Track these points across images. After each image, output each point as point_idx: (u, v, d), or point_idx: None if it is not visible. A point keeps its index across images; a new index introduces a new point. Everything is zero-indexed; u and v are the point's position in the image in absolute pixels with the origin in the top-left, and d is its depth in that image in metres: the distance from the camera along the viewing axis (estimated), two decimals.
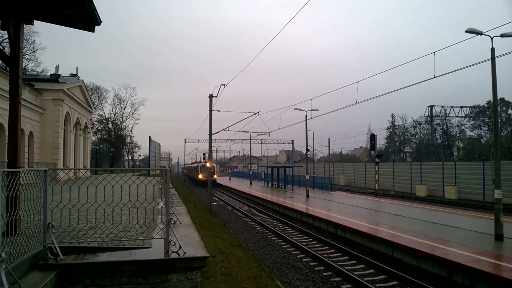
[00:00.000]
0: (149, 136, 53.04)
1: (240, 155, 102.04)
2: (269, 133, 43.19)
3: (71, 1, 6.66)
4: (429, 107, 54.27)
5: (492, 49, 11.31)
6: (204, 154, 67.96)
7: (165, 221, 6.44)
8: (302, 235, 15.57)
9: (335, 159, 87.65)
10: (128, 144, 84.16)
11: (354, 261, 11.20)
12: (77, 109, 39.42)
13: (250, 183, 46.71)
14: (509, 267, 8.27)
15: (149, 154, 55.67)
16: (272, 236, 15.58)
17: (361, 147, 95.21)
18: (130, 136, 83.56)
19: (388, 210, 18.60)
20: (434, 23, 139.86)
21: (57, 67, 34.89)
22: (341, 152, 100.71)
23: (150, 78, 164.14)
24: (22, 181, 5.49)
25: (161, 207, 8.66)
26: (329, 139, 58.27)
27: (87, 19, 7.18)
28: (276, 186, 38.20)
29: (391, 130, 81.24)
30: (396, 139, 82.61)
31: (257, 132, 46.00)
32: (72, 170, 9.10)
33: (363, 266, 10.71)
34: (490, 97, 17.66)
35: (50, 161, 30.53)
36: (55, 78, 33.26)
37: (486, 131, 61.62)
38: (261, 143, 73.09)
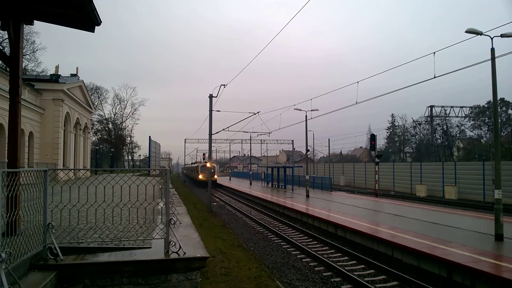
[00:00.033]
0: (149, 136, 53.13)
1: (240, 155, 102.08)
2: (269, 133, 43.23)
3: (71, 1, 6.66)
4: (429, 107, 54.26)
5: (492, 49, 11.31)
6: (204, 154, 67.97)
7: (165, 221, 6.44)
8: (302, 235, 15.56)
9: (335, 159, 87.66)
10: (128, 144, 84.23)
11: (354, 261, 11.20)
12: (77, 109, 39.43)
13: (250, 183, 46.70)
14: (509, 267, 8.27)
15: (149, 154, 55.72)
16: (272, 236, 15.58)
17: (361, 147, 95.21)
18: (130, 136, 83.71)
19: (388, 210, 18.60)
20: (434, 23, 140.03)
21: (57, 67, 34.90)
22: (341, 152, 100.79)
23: (150, 78, 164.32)
24: (22, 181, 5.48)
25: (161, 207, 8.66)
26: (329, 139, 58.31)
27: (87, 19, 7.18)
28: (276, 186, 38.20)
29: (391, 130, 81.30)
30: (396, 139, 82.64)
31: (257, 132, 46.03)
32: (72, 170, 9.10)
33: (363, 266, 10.71)
34: (490, 97, 17.66)
35: (50, 161, 30.54)
36: (55, 78, 33.27)
37: (486, 131, 61.67)
38: (261, 143, 73.15)
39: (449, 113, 54.32)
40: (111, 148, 77.77)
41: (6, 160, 7.28)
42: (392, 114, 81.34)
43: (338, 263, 10.94)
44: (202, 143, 70.30)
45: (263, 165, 63.16)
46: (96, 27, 7.53)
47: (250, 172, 51.68)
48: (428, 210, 19.03)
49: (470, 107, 57.28)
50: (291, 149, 71.73)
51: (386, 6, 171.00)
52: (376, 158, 28.90)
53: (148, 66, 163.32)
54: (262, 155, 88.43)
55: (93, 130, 63.53)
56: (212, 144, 27.33)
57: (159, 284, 5.84)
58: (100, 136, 78.25)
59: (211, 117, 24.75)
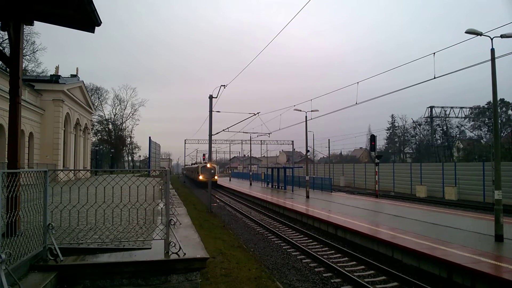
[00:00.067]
0: (149, 137, 53.04)
1: (240, 156, 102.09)
2: (269, 134, 43.27)
3: (71, 2, 6.66)
4: (429, 108, 54.36)
5: (492, 50, 11.32)
6: (204, 155, 68.05)
7: (165, 222, 6.43)
8: (302, 236, 15.56)
9: (335, 160, 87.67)
10: (128, 145, 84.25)
11: (354, 262, 11.19)
12: (77, 110, 39.44)
13: (250, 184, 46.70)
14: (509, 268, 8.26)
15: (149, 155, 55.65)
16: (272, 237, 15.58)
17: (361, 148, 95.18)
18: (130, 137, 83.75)
19: (388, 211, 18.59)
20: (434, 23, 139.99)
21: (57, 68, 34.94)
22: (341, 153, 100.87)
23: (150, 79, 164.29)
24: (22, 182, 5.48)
25: (161, 208, 8.66)
26: (329, 140, 58.34)
27: (87, 20, 7.18)
28: (276, 187, 38.19)
29: (391, 131, 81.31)
30: (396, 140, 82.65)
31: (257, 133, 46.01)
32: (72, 171, 9.09)
33: (363, 267, 10.70)
34: (490, 98, 17.66)
35: (50, 162, 30.54)
36: (55, 79, 33.30)
37: (486, 132, 61.65)
38: (261, 144, 73.13)
39: (449, 114, 54.43)
40: (111, 149, 77.76)
41: (6, 161, 7.28)
42: (392, 115, 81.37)
43: (338, 264, 10.93)
44: (202, 144, 70.33)
45: (263, 166, 63.14)
46: (96, 27, 7.53)
47: (250, 173, 51.66)
48: (428, 211, 19.03)
49: (470, 107, 57.42)
50: (291, 150, 71.70)
51: (386, 6, 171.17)
52: (376, 159, 28.89)
53: (148, 66, 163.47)
54: (262, 155, 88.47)
55: (93, 131, 63.54)
56: (212, 145, 27.34)
57: (159, 285, 5.83)
58: (100, 136, 78.28)
59: (211, 118, 24.76)
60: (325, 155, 73.35)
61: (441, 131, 65.27)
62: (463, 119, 57.37)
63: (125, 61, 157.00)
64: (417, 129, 69.85)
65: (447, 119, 58.90)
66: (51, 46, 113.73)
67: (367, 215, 17.21)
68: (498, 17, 63.54)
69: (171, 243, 6.17)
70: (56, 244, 5.78)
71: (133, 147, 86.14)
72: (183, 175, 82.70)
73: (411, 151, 79.48)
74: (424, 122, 63.40)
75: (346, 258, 11.68)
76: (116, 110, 79.86)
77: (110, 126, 79.33)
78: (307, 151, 30.03)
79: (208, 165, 26.75)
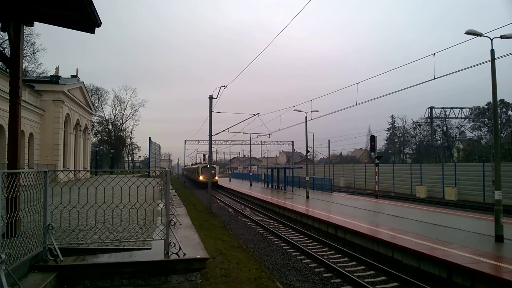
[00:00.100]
0: (149, 138, 52.87)
1: (240, 156, 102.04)
2: (269, 134, 43.18)
3: (71, 3, 6.66)
4: (429, 109, 54.30)
5: (492, 51, 11.33)
6: (204, 155, 68.00)
7: (165, 222, 6.43)
8: (302, 236, 15.56)
9: (335, 160, 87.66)
10: (128, 146, 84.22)
11: (354, 263, 11.19)
12: (77, 111, 39.47)
13: (250, 185, 46.70)
14: (509, 268, 8.26)
15: (149, 155, 55.57)
16: (272, 237, 15.57)
17: (361, 148, 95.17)
18: (130, 138, 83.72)
19: (388, 212, 18.59)
20: (434, 23, 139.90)
21: (57, 69, 34.98)
22: (341, 153, 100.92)
23: (150, 79, 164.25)
24: (22, 183, 5.48)
25: (161, 209, 8.65)
26: (329, 140, 58.33)
27: (88, 21, 7.19)
28: (276, 187, 38.19)
29: (391, 132, 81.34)
30: (396, 140, 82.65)
31: (257, 133, 45.96)
32: (72, 172, 9.10)
33: (363, 267, 10.70)
34: (490, 98, 17.67)
35: (50, 163, 30.57)
36: (55, 79, 33.34)
37: (486, 133, 61.64)
38: (261, 145, 73.06)
39: (449, 114, 54.37)
40: (111, 149, 77.70)
41: (6, 161, 7.28)
42: (392, 115, 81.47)
43: (338, 264, 10.93)
44: (202, 144, 70.30)
45: (263, 166, 63.23)
46: (96, 28, 7.54)
47: (250, 173, 51.66)
48: (428, 211, 19.03)
49: (470, 108, 57.42)
50: (291, 150, 71.63)
51: (386, 6, 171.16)
52: (376, 159, 28.89)
53: (148, 67, 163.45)
54: (262, 156, 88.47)
55: (93, 131, 63.56)
56: (212, 145, 27.33)
57: (159, 285, 5.83)
58: (100, 137, 78.26)
59: (211, 118, 24.76)
60: (325, 155, 73.40)
61: (441, 132, 65.28)
62: (463, 119, 57.35)
63: (125, 61, 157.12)
64: (417, 130, 69.91)
65: (447, 119, 58.90)
66: (51, 47, 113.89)
67: (367, 216, 17.21)
68: (498, 17, 63.58)
69: (171, 244, 6.17)
70: (56, 244, 5.78)
71: (133, 148, 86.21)
72: (183, 175, 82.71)
73: (411, 151, 79.49)
74: (424, 123, 63.43)
75: (346, 259, 11.68)
76: (116, 110, 79.95)
77: (110, 127, 79.33)
78: (307, 151, 30.03)
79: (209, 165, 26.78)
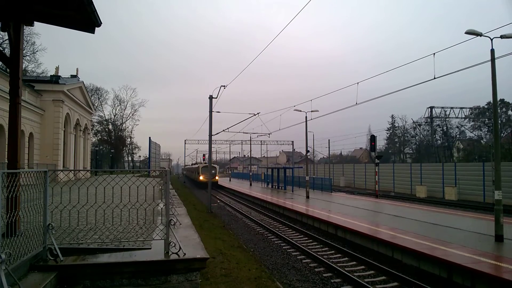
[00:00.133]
0: (149, 137, 52.95)
1: (240, 156, 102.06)
2: (269, 134, 43.19)
3: (71, 2, 6.66)
4: (429, 108, 54.33)
5: (492, 51, 11.33)
6: (204, 155, 68.03)
7: (165, 222, 6.44)
8: (302, 236, 15.56)
9: (335, 160, 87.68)
10: (128, 145, 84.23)
11: (354, 262, 11.20)
12: (77, 110, 39.47)
13: (250, 184, 46.70)
14: (509, 268, 8.26)
15: (149, 155, 55.61)
16: (272, 237, 15.58)
17: (361, 148, 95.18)
18: (130, 137, 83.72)
19: (388, 211, 18.59)
20: (434, 23, 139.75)
21: (57, 69, 34.97)
22: (341, 153, 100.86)
23: (150, 79, 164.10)
24: (22, 182, 5.49)
25: (161, 208, 8.66)
26: (329, 140, 58.36)
27: (88, 21, 7.18)
28: (276, 187, 38.19)
29: (391, 131, 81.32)
30: (396, 140, 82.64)
31: (257, 133, 45.96)
32: (72, 171, 9.12)
33: (363, 267, 10.70)
34: (490, 98, 17.64)
35: (50, 162, 30.57)
36: (55, 79, 33.33)
37: (486, 132, 61.63)
38: (261, 144, 73.04)
39: (449, 114, 54.41)
40: (111, 149, 77.74)
41: (6, 161, 7.28)
42: (392, 115, 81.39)
43: (338, 264, 10.93)
44: (202, 144, 70.25)
45: (263, 166, 63.14)
46: (96, 28, 7.54)
47: (250, 173, 51.65)
48: (428, 211, 19.03)
49: (470, 108, 57.38)
50: (291, 150, 71.63)
51: (386, 6, 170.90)
52: (376, 159, 28.90)
53: (148, 66, 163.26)
54: (262, 156, 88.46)
55: (93, 131, 63.56)
56: (212, 145, 27.34)
57: (159, 285, 5.84)
58: (100, 137, 78.27)
59: (211, 118, 24.77)
60: (325, 155, 73.42)
61: (441, 132, 65.28)
62: (463, 119, 57.38)
63: (125, 61, 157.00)
64: (417, 130, 69.87)
65: (447, 119, 58.92)
66: (51, 47, 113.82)
67: (367, 215, 17.22)
68: (498, 17, 63.61)
69: (171, 243, 6.17)
70: (56, 244, 5.78)
71: (133, 148, 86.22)
72: (183, 175, 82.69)
73: (411, 151, 79.50)
74: (424, 123, 63.39)
75: (346, 258, 11.68)
76: (116, 110, 79.96)
77: (110, 127, 79.34)
78: (307, 151, 30.04)
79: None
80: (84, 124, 42.74)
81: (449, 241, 10.92)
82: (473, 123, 62.86)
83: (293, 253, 12.58)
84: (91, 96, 60.82)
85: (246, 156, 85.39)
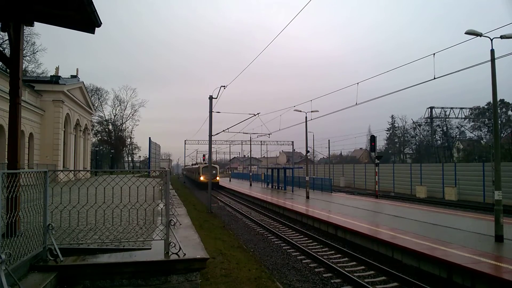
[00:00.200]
0: (149, 138, 52.87)
1: (240, 156, 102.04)
2: (269, 134, 43.16)
3: (71, 3, 6.67)
4: (429, 109, 54.30)
5: (492, 51, 11.34)
6: (204, 155, 68.01)
7: (165, 222, 6.43)
8: (302, 236, 15.55)
9: (335, 160, 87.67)
10: (128, 146, 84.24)
11: (354, 263, 11.19)
12: (77, 111, 39.47)
13: (250, 185, 46.68)
14: (509, 268, 8.26)
15: (149, 155, 55.58)
16: (272, 237, 15.57)
17: (361, 148, 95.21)
18: (130, 138, 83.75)
19: (388, 212, 18.59)
20: (434, 23, 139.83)
21: (57, 69, 34.98)
22: (341, 153, 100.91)
23: (150, 79, 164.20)
24: (22, 183, 5.49)
25: (161, 209, 8.65)
26: (329, 140, 58.34)
27: (88, 21, 7.19)
28: (276, 187, 38.19)
29: (391, 132, 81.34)
30: (396, 140, 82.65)
31: (257, 133, 45.94)
32: (72, 172, 9.12)
33: (363, 267, 10.70)
34: (490, 98, 17.65)
35: (50, 163, 30.58)
36: (55, 79, 33.34)
37: (486, 133, 61.66)
38: (261, 145, 73.07)
39: (449, 114, 54.37)
40: (111, 149, 77.72)
41: (6, 161, 7.28)
42: (392, 115, 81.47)
43: (338, 264, 10.93)
44: (202, 144, 70.32)
45: (263, 166, 63.23)
46: (96, 28, 7.54)
47: (250, 173, 51.65)
48: (428, 211, 19.03)
49: (470, 108, 57.43)
50: (291, 150, 71.64)
51: (386, 6, 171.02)
52: (376, 159, 28.89)
53: (148, 66, 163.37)
54: (262, 156, 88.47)
55: (93, 131, 63.57)
56: (212, 146, 27.33)
57: (159, 285, 5.83)
58: (100, 137, 78.29)
59: (211, 119, 24.76)
60: (325, 155, 73.42)
61: (441, 132, 65.28)
62: (463, 119, 57.35)
63: (125, 61, 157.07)
64: (417, 130, 69.90)
65: (447, 119, 58.91)
66: (51, 47, 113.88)
67: (367, 216, 17.21)
68: (498, 17, 63.55)
69: (171, 244, 6.17)
70: (56, 244, 5.78)
71: (133, 148, 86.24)
72: (183, 175, 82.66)
73: (411, 151, 79.50)
74: (424, 123, 63.43)
75: (346, 259, 11.68)
76: (116, 110, 79.97)
77: (110, 127, 79.35)
78: (307, 151, 30.03)
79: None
80: (84, 124, 42.74)
81: (449, 241, 10.92)
82: (473, 123, 62.90)
83: (293, 253, 12.58)
84: (91, 96, 60.83)
85: (246, 156, 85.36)
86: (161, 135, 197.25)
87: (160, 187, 11.82)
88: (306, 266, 11.06)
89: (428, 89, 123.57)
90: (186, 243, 6.99)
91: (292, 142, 66.85)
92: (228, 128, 31.44)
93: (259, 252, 12.83)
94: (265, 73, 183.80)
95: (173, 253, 6.09)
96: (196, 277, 6.09)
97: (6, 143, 7.35)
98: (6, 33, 7.19)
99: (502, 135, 51.88)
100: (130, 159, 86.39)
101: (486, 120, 58.65)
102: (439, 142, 66.73)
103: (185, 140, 72.67)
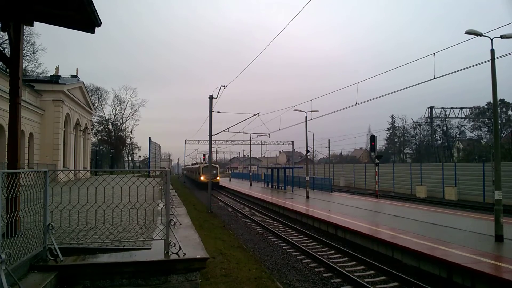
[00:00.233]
0: (149, 137, 52.94)
1: (240, 156, 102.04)
2: (269, 134, 43.18)
3: (71, 2, 6.67)
4: (429, 108, 54.33)
5: (492, 51, 11.33)
6: (204, 155, 67.98)
7: (165, 222, 6.44)
8: (302, 236, 15.56)
9: (335, 160, 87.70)
10: (128, 145, 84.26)
11: (354, 262, 11.20)
12: (77, 110, 39.46)
13: (250, 184, 46.68)
14: (509, 268, 8.26)
15: (149, 155, 55.61)
16: (272, 237, 15.58)
17: (361, 148, 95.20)
18: (130, 137, 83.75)
19: (388, 211, 18.59)
20: (434, 23, 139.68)
21: (57, 69, 34.97)
22: (341, 153, 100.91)
23: (150, 79, 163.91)
24: (22, 182, 5.49)
25: (161, 208, 8.66)
26: (329, 140, 58.39)
27: (88, 21, 7.19)
28: (276, 187, 38.19)
29: (391, 131, 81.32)
30: (396, 140, 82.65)
31: (257, 133, 45.93)
32: (72, 171, 9.12)
33: (363, 267, 10.71)
34: (490, 98, 17.64)
35: (50, 162, 30.57)
36: (55, 79, 33.33)
37: (486, 132, 61.64)
38: (261, 144, 73.04)
39: (449, 114, 54.40)
40: (111, 149, 77.76)
41: (6, 161, 7.29)
42: (392, 115, 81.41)
43: (338, 264, 10.93)
44: (202, 144, 70.26)
45: (263, 166, 63.16)
46: (96, 28, 7.54)
47: (250, 173, 51.64)
48: (428, 211, 19.03)
49: (470, 108, 57.40)
50: (291, 150, 71.66)
51: (386, 6, 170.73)
52: (376, 159, 28.89)
53: (148, 66, 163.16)
54: (262, 156, 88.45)
55: (93, 131, 63.57)
56: (212, 145, 27.34)
57: (159, 285, 5.84)
58: (100, 137, 78.29)
59: (211, 118, 24.76)
60: (325, 155, 73.43)
61: (441, 132, 65.28)
62: (463, 119, 57.37)
63: (125, 61, 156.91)
64: (417, 130, 69.87)
65: (447, 119, 58.91)
66: (51, 47, 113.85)
67: (367, 215, 17.22)
68: (498, 17, 63.55)
69: (171, 243, 6.17)
70: (56, 244, 5.78)
71: (133, 148, 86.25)
72: (183, 175, 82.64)
73: (411, 151, 79.50)
74: (424, 123, 63.40)
75: (346, 258, 11.68)
76: (116, 110, 79.98)
77: (110, 127, 79.36)
78: (307, 151, 30.04)
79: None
80: (84, 124, 42.73)
81: (449, 241, 10.92)
82: (473, 123, 62.88)
83: (293, 253, 12.58)
84: (91, 96, 60.83)
85: (246, 156, 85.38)
86: (161, 135, 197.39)
87: (160, 187, 11.83)
88: (306, 265, 11.06)
89: (428, 89, 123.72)
90: (186, 243, 7.00)
91: (292, 142, 66.93)
92: (228, 128, 31.47)
93: (259, 252, 12.84)
94: (265, 73, 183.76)
95: (173, 253, 6.10)
96: (196, 277, 6.09)
97: (6, 143, 7.35)
98: (6, 33, 7.19)
99: (502, 135, 51.87)
100: (130, 159, 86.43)
101: (486, 120, 58.64)
102: (439, 142, 66.74)
103: (185, 140, 72.72)
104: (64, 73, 37.81)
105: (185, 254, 6.10)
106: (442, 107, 53.99)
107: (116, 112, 79.89)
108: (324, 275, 10.10)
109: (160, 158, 79.01)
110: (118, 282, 5.74)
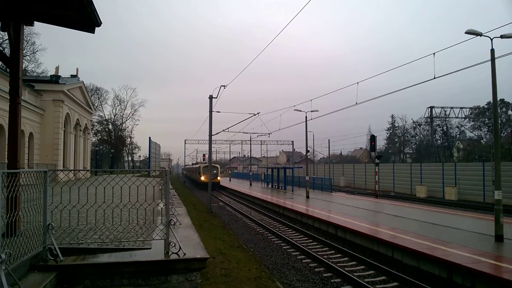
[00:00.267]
0: (149, 137, 53.02)
1: (240, 156, 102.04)
2: (269, 134, 43.22)
3: (71, 2, 6.66)
4: (429, 108, 54.33)
5: (492, 50, 11.33)
6: (204, 155, 68.00)
7: (165, 222, 6.44)
8: (302, 236, 15.56)
9: (335, 160, 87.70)
10: (128, 145, 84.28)
11: (354, 262, 11.20)
12: (77, 110, 39.46)
13: (250, 184, 46.68)
14: (509, 268, 8.26)
15: (149, 155, 55.64)
16: (272, 237, 15.58)
17: (361, 148, 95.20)
18: (130, 137, 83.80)
19: (388, 211, 18.59)
20: (434, 23, 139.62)
21: (57, 68, 34.95)
22: (341, 153, 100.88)
23: (150, 79, 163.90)
24: (22, 182, 5.49)
25: (161, 208, 8.66)
26: (329, 140, 58.35)
27: (88, 21, 7.18)
28: (276, 187, 38.19)
29: (391, 131, 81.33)
30: (396, 140, 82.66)
31: (257, 133, 45.95)
32: (72, 171, 9.12)
33: (363, 267, 10.71)
34: (490, 98, 17.65)
35: (50, 162, 30.56)
36: (55, 79, 33.32)
37: (486, 132, 61.65)
38: (261, 144, 73.06)
39: (449, 114, 54.42)
40: (111, 149, 77.78)
41: (6, 161, 7.28)
42: (392, 115, 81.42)
43: (338, 264, 10.94)
44: (202, 144, 70.25)
45: (263, 166, 63.14)
46: (96, 28, 7.54)
47: (250, 173, 51.64)
48: (428, 211, 19.03)
49: (470, 108, 57.40)
50: (291, 150, 71.66)
51: (386, 6, 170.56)
52: (376, 159, 28.89)
53: (148, 66, 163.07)
54: (262, 156, 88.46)
55: (93, 131, 63.55)
56: (212, 145, 27.35)
57: (159, 285, 5.84)
58: (100, 137, 78.31)
59: (211, 118, 24.77)
60: (325, 155, 73.42)
61: (441, 131, 65.28)
62: (463, 119, 57.39)
63: (125, 61, 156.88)
64: (417, 129, 69.85)
65: (447, 119, 58.92)
66: (51, 47, 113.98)
67: (367, 215, 17.22)
68: (498, 17, 63.57)
69: (171, 243, 6.17)
70: (56, 244, 5.78)
71: (133, 147, 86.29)
72: (183, 175, 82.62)
73: (411, 151, 79.51)
74: (424, 122, 63.36)
75: (346, 258, 11.68)
76: (116, 110, 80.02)
77: (110, 126, 79.38)
78: (307, 151, 30.04)
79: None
80: (84, 124, 42.73)
81: (449, 241, 10.92)
82: (473, 123, 62.88)
83: (293, 253, 12.58)
84: (91, 96, 60.86)
85: (246, 156, 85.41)
86: (161, 135, 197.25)
87: (160, 187, 11.83)
88: (306, 265, 11.06)
89: (428, 89, 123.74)
90: (186, 242, 7.00)
91: (292, 141, 66.98)
92: (228, 128, 31.49)
93: (259, 251, 12.84)
94: (265, 73, 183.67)
95: (173, 253, 6.10)
96: (196, 277, 6.09)
97: (6, 143, 7.35)
98: (6, 33, 7.18)
99: (502, 134, 51.88)
100: (130, 158, 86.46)
101: (486, 119, 58.64)
102: (439, 141, 66.74)
103: (185, 140, 72.71)
104: (64, 73, 37.86)
105: (185, 254, 6.10)
106: (442, 107, 54.02)
107: (116, 112, 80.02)
108: (324, 275, 10.10)
109: (160, 158, 79.06)
110: (118, 282, 5.74)
